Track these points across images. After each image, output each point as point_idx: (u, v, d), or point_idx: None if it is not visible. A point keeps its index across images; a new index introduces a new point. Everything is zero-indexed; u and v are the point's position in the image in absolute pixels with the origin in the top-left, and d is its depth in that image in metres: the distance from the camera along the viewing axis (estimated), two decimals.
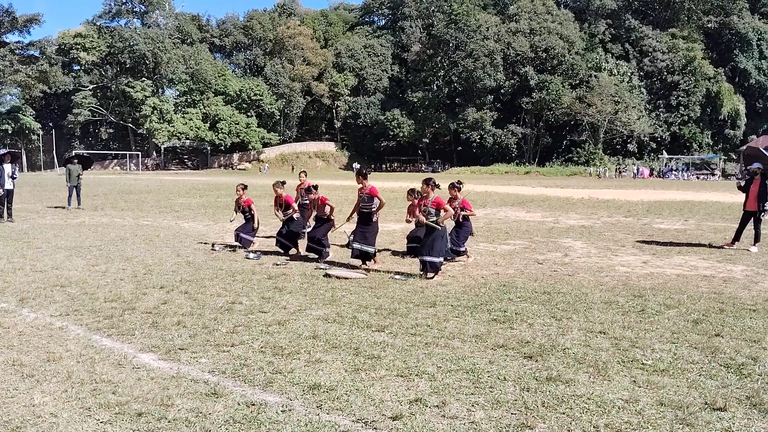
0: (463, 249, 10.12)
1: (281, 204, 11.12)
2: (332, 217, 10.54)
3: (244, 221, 11.70)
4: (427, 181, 8.85)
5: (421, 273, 8.74)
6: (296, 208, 11.24)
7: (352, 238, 9.60)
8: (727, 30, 76.35)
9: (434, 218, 8.67)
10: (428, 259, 8.64)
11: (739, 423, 3.96)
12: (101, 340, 5.68)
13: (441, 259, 8.74)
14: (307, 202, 11.03)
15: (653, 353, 5.33)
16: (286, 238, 10.89)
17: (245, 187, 11.76)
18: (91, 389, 4.49)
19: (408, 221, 9.91)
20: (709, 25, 76.90)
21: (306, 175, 12.88)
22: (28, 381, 4.66)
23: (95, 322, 6.31)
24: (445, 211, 8.72)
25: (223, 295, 7.54)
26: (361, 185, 9.50)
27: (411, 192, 10.41)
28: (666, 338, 5.78)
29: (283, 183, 11.28)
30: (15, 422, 3.94)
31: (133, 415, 4.04)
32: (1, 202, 16.14)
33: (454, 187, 10.07)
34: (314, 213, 10.62)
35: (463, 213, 10.17)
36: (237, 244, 11.46)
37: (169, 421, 3.96)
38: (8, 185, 16.26)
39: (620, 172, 64.58)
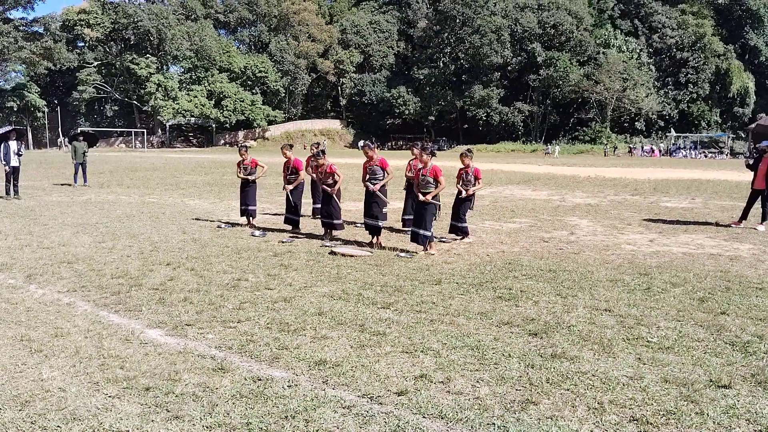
0: (464, 225, 10.02)
1: (289, 167, 10.99)
2: (335, 189, 10.02)
3: (246, 189, 11.53)
4: (424, 149, 8.78)
5: (425, 250, 8.77)
6: (302, 176, 10.99)
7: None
8: (738, 6, 75.14)
9: (432, 188, 8.66)
10: (419, 231, 8.66)
11: (744, 400, 3.97)
12: (108, 316, 5.72)
13: (430, 233, 8.73)
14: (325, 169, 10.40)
15: (658, 331, 5.33)
16: (292, 212, 10.82)
17: (248, 149, 11.95)
18: (99, 364, 4.54)
19: (406, 176, 10.05)
20: (720, 1, 75.66)
21: (318, 146, 12.76)
22: (36, 356, 4.71)
23: (102, 298, 6.35)
24: (440, 183, 8.67)
25: (229, 272, 7.57)
26: (369, 158, 9.52)
27: (415, 146, 10.25)
28: (671, 316, 5.78)
29: (291, 146, 11.24)
30: (24, 396, 3.98)
31: (141, 390, 4.08)
32: (7, 179, 16.21)
33: (466, 156, 9.99)
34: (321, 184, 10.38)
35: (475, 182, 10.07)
36: (245, 223, 11.52)
37: (176, 396, 3.99)
38: (14, 162, 16.30)
39: (631, 151, 63.83)
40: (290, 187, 10.81)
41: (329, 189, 9.85)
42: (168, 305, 6.07)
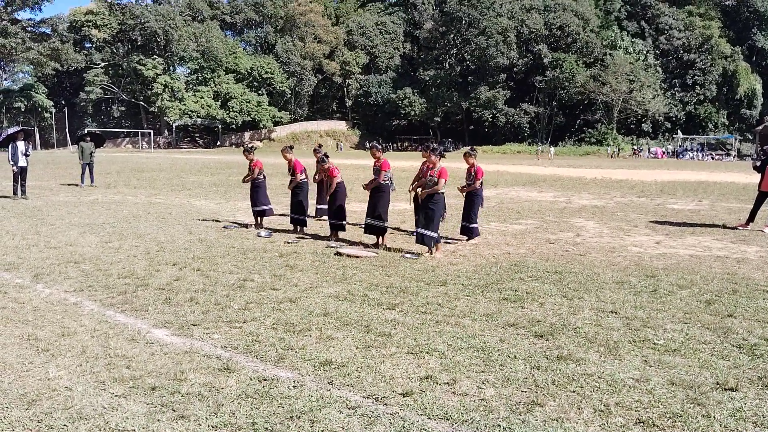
0: (475, 225, 10.01)
1: (291, 169, 11.07)
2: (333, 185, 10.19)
3: (256, 189, 11.53)
4: (433, 150, 8.77)
5: (430, 252, 8.75)
6: (300, 177, 11.02)
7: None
8: (746, 7, 74.88)
9: (439, 189, 8.71)
10: (425, 232, 8.64)
11: (751, 403, 3.95)
12: (115, 316, 5.74)
13: (437, 235, 8.73)
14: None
15: (665, 333, 5.31)
16: (296, 212, 10.91)
17: (253, 150, 11.94)
18: (106, 363, 4.55)
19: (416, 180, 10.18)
20: (727, 2, 75.44)
21: (321, 148, 12.81)
22: (43, 355, 4.72)
23: (109, 297, 6.37)
24: (437, 184, 8.67)
25: (235, 272, 7.59)
26: (376, 158, 9.58)
27: (426, 148, 10.25)
28: (678, 318, 5.76)
29: (291, 148, 11.31)
30: (31, 395, 4.00)
31: (147, 389, 4.09)
32: (15, 180, 16.29)
33: (470, 155, 9.97)
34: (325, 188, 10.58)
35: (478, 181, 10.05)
36: (251, 223, 11.51)
37: (182, 395, 4.00)
38: (22, 162, 16.39)
39: (636, 152, 63.64)
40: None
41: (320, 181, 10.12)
42: (174, 305, 6.09)
